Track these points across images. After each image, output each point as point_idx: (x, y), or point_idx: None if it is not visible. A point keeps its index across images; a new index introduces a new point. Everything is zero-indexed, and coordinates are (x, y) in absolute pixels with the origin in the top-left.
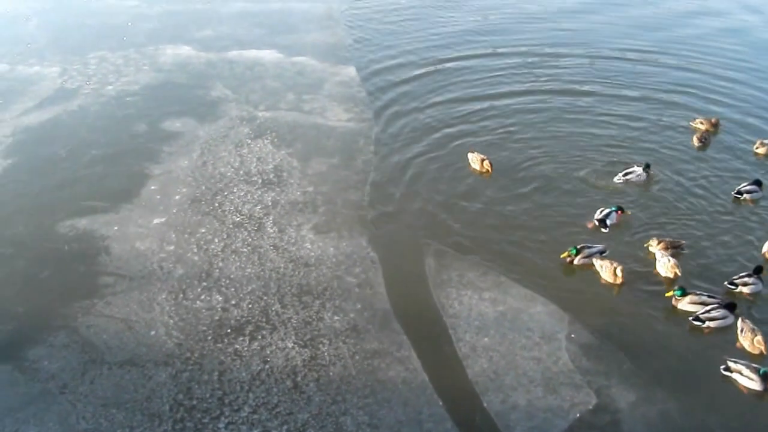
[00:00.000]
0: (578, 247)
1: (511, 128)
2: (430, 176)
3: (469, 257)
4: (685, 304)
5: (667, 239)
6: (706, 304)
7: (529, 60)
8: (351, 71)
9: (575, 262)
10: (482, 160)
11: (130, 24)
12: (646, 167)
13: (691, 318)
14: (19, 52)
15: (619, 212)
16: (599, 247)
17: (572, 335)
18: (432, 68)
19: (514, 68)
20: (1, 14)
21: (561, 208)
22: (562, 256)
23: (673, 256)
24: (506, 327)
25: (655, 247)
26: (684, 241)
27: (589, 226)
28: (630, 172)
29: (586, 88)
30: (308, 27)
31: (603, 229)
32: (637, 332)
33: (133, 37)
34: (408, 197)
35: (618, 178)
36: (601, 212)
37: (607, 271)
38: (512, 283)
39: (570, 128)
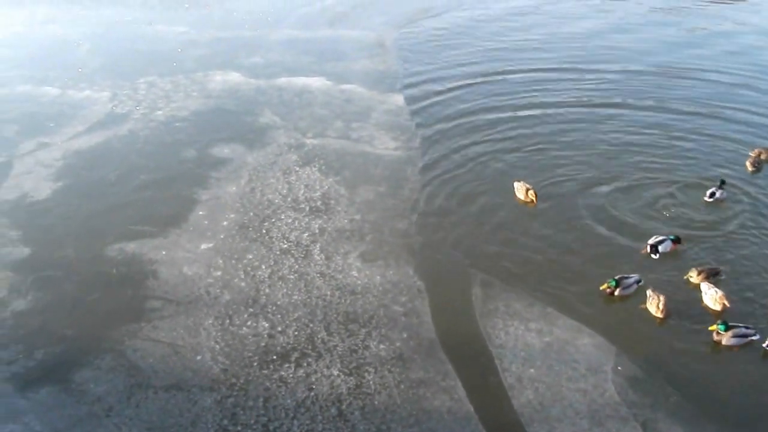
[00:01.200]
0: (617, 278)
1: (560, 154)
2: (477, 205)
3: (515, 287)
4: (728, 339)
5: (706, 267)
6: (746, 336)
7: (581, 81)
8: (399, 99)
9: (615, 293)
10: (527, 190)
11: (179, 50)
12: (722, 184)
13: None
14: (70, 77)
15: (675, 243)
16: (635, 277)
17: (618, 367)
18: (480, 98)
19: (564, 93)
20: (53, 39)
21: (610, 236)
22: (602, 288)
23: (713, 283)
24: (552, 358)
25: (695, 278)
26: (721, 268)
27: (643, 251)
28: (714, 193)
29: (646, 113)
30: (357, 55)
31: (653, 256)
32: (684, 365)
33: (183, 63)
34: (455, 226)
35: (707, 198)
36: (656, 239)
37: (652, 303)
38: (559, 314)
39: (625, 156)
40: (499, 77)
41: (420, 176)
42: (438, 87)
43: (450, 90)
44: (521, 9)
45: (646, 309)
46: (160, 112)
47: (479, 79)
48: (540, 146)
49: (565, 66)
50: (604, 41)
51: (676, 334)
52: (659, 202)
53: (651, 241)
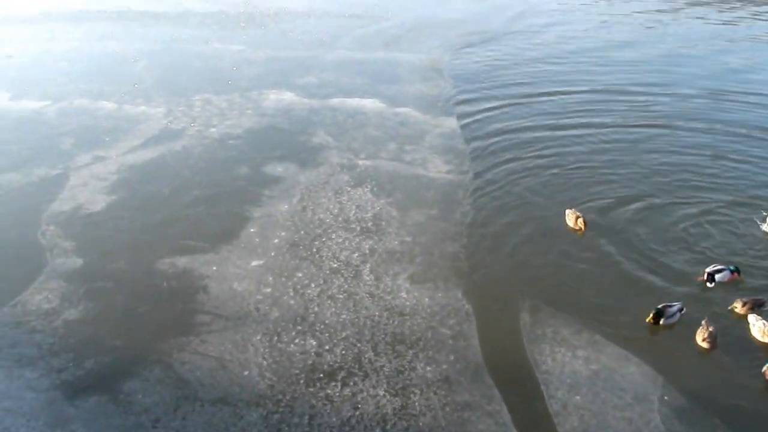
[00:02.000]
0: (660, 307)
1: (612, 178)
2: (528, 231)
3: (564, 314)
4: None
5: (751, 298)
6: None
7: (636, 104)
8: (452, 123)
9: (660, 323)
10: (576, 218)
11: (234, 68)
12: None
13: None
14: (126, 92)
15: (735, 274)
16: (678, 305)
17: (665, 397)
18: (534, 122)
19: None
20: (111, 55)
21: (662, 265)
22: (647, 320)
23: (759, 314)
24: (599, 386)
25: (740, 308)
26: (766, 299)
27: (699, 279)
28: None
29: (699, 137)
30: (411, 78)
31: (709, 284)
32: (732, 397)
33: (238, 82)
34: (505, 251)
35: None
36: (714, 267)
37: (699, 333)
38: (606, 342)
39: (680, 178)
40: (553, 101)
41: (471, 200)
42: (491, 111)
43: (503, 115)
44: (575, 33)
45: (696, 338)
46: (214, 129)
47: (533, 103)
48: (593, 170)
49: (622, 88)
50: (658, 65)
51: (723, 366)
52: (716, 226)
53: (709, 269)
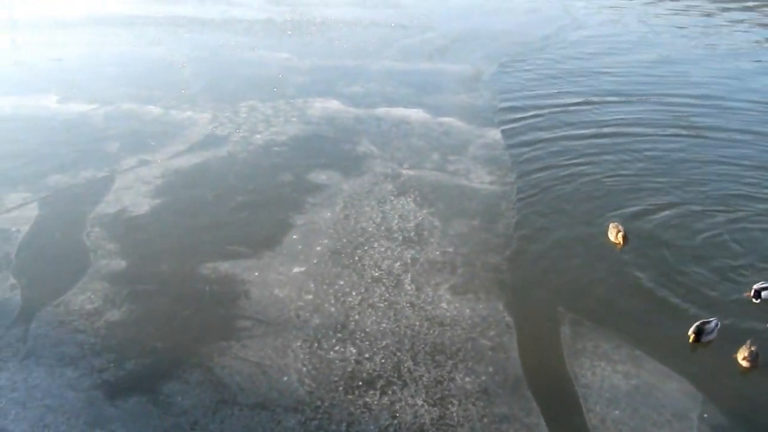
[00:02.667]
0: (698, 325)
1: (657, 187)
2: (571, 244)
3: (604, 328)
4: None
5: None
6: None
7: (678, 113)
8: (496, 134)
9: (700, 340)
10: (617, 232)
11: (280, 76)
12: None
13: None
14: (173, 97)
15: None
16: (714, 320)
17: (705, 415)
18: (579, 134)
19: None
20: (159, 61)
21: (704, 279)
22: (690, 340)
23: None
24: (638, 401)
25: None
26: None
27: (746, 295)
28: None
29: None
30: (456, 88)
31: (755, 300)
32: None
33: (284, 89)
34: (547, 264)
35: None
36: (762, 284)
37: (741, 351)
38: (647, 357)
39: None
40: (598, 111)
41: (514, 212)
42: (535, 123)
43: (548, 126)
44: (618, 46)
45: (736, 358)
46: (259, 136)
47: (578, 113)
48: (638, 181)
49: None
50: (701, 76)
51: (764, 385)
52: (761, 239)
53: (756, 285)
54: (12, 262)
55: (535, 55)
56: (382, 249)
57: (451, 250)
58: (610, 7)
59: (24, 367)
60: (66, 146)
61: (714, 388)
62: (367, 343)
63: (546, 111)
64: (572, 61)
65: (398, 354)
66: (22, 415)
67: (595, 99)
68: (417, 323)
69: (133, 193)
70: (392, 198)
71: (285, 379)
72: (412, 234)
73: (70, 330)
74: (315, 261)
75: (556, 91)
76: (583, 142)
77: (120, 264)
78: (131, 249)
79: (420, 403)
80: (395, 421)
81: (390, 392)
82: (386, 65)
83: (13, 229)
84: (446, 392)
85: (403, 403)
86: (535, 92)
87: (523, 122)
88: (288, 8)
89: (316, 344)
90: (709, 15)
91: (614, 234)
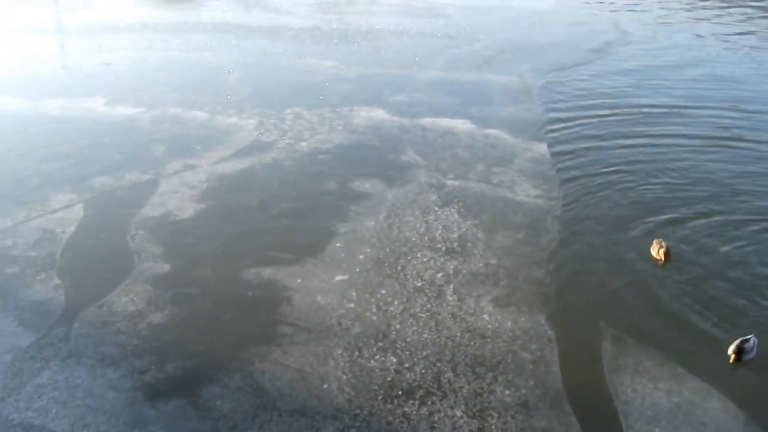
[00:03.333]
0: (737, 344)
1: (710, 208)
2: (614, 259)
3: (646, 345)
4: None
5: None
6: None
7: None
8: (542, 147)
9: (742, 359)
10: (659, 248)
11: (326, 84)
12: None
13: None
14: (219, 102)
15: None
16: (751, 337)
17: None
18: (627, 148)
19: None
20: (206, 66)
21: (750, 296)
22: (730, 360)
23: None
24: (679, 419)
25: None
26: None
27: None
28: None
29: None
30: (502, 100)
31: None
32: None
33: (329, 97)
34: (590, 278)
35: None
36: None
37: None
38: (689, 375)
39: None
40: (647, 122)
41: (559, 226)
42: (582, 136)
43: (596, 140)
44: (667, 61)
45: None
46: (304, 143)
47: (627, 127)
48: (685, 195)
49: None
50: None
51: None
52: None
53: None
54: (56, 262)
55: (582, 68)
56: (425, 259)
57: (494, 262)
58: (658, 21)
59: (66, 366)
60: (112, 149)
61: (756, 407)
62: (407, 353)
63: (593, 124)
64: (620, 75)
65: (438, 365)
66: (62, 413)
67: (643, 112)
68: (458, 334)
69: (178, 197)
70: (436, 208)
71: (325, 386)
72: (456, 245)
73: (112, 331)
74: (357, 269)
75: (603, 104)
76: (631, 156)
77: (163, 267)
78: (175, 252)
79: (459, 414)
80: None
81: (429, 403)
82: (432, 75)
83: (59, 229)
84: (486, 404)
85: (442, 414)
86: (582, 105)
87: (569, 136)
88: (335, 17)
89: (356, 353)
90: (760, 29)
91: (656, 250)
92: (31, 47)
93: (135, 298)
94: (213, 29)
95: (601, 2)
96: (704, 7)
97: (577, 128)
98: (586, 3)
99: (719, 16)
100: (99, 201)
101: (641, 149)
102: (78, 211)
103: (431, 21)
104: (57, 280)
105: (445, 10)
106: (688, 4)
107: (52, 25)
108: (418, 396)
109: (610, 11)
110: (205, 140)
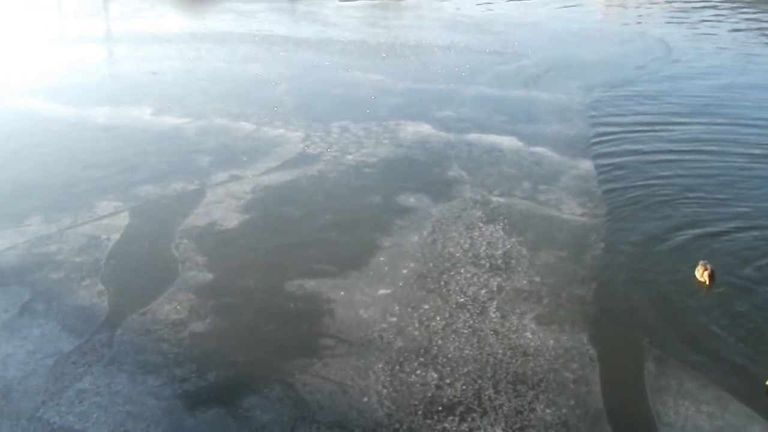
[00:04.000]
0: None
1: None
2: (658, 280)
3: (689, 367)
4: None
5: None
6: None
7: None
8: (588, 165)
9: None
10: (703, 271)
11: (373, 97)
12: None
13: None
14: (265, 114)
15: None
16: None
17: None
18: (674, 169)
19: None
20: (252, 77)
21: None
22: (766, 384)
23: None
24: None
25: None
26: None
27: None
28: None
29: None
30: (549, 118)
31: None
32: None
33: (376, 111)
34: (633, 298)
35: None
36: None
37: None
38: (732, 399)
39: None
40: (698, 147)
41: (603, 244)
42: (629, 155)
43: (643, 159)
44: (715, 80)
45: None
46: (350, 156)
47: (674, 149)
48: (734, 215)
49: None
50: None
51: None
52: None
53: None
54: (101, 269)
55: (629, 86)
56: (469, 275)
57: (537, 279)
58: (707, 39)
59: (107, 372)
60: (158, 158)
61: None
62: (448, 368)
63: (640, 142)
64: (667, 94)
65: (479, 381)
66: (102, 419)
67: (690, 130)
68: (500, 351)
69: (223, 207)
70: (481, 224)
71: (365, 399)
72: (500, 261)
73: (154, 339)
74: (401, 284)
75: (650, 122)
76: (679, 175)
77: (207, 276)
78: (218, 262)
79: None
80: None
81: (469, 419)
82: (479, 91)
83: (104, 236)
84: (526, 422)
85: (482, 431)
86: (629, 123)
87: (616, 153)
88: (383, 30)
89: (397, 367)
90: None
91: (701, 272)
92: (79, 55)
93: (178, 307)
94: (261, 41)
95: (648, 20)
96: (757, 28)
97: (624, 146)
98: (634, 19)
99: None
100: (144, 209)
101: (690, 167)
102: (123, 219)
103: (479, 36)
104: (101, 287)
105: (494, 26)
106: (737, 22)
107: (100, 34)
108: (458, 412)
109: (658, 28)
110: (251, 151)
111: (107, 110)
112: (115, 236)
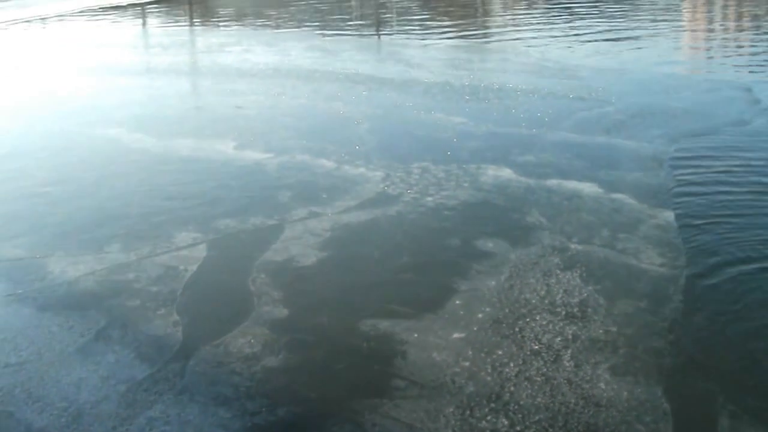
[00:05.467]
0: None
1: None
2: (738, 335)
3: (764, 425)
4: None
5: None
6: None
7: None
8: (669, 215)
9: None
10: None
11: (455, 140)
12: None
13: None
14: (346, 152)
15: None
16: None
17: None
18: (762, 226)
19: None
20: (335, 115)
21: None
22: None
23: None
24: None
25: None
26: None
27: None
28: None
29: None
30: (631, 165)
31: None
32: None
33: (457, 153)
34: (711, 353)
35: None
36: None
37: None
38: None
39: None
40: None
41: (682, 296)
42: (712, 207)
43: (725, 211)
44: None
45: None
46: (429, 198)
47: (757, 203)
48: None
49: None
50: None
51: None
52: None
53: None
54: (177, 299)
55: (714, 135)
56: (544, 322)
57: (614, 329)
58: None
59: (178, 402)
60: (239, 192)
61: None
62: (520, 416)
63: (724, 195)
64: (752, 147)
65: (550, 430)
66: None
67: None
68: (572, 401)
69: (301, 243)
70: (558, 272)
71: None
72: (576, 310)
73: (226, 371)
74: (475, 328)
75: (735, 174)
76: (765, 230)
77: (282, 312)
78: (294, 298)
79: None
80: None
81: None
82: (561, 136)
83: (181, 267)
84: None
85: None
86: (713, 174)
87: (698, 205)
88: (466, 73)
89: (468, 411)
90: None
91: None
92: (165, 87)
93: (252, 341)
94: (345, 79)
95: (735, 68)
96: None
97: (707, 198)
98: (721, 68)
99: None
100: (223, 242)
101: None
102: (201, 251)
103: (563, 82)
104: (176, 317)
105: (578, 71)
106: None
107: (186, 67)
108: None
109: (746, 77)
110: (331, 189)
111: (191, 143)
112: (193, 267)
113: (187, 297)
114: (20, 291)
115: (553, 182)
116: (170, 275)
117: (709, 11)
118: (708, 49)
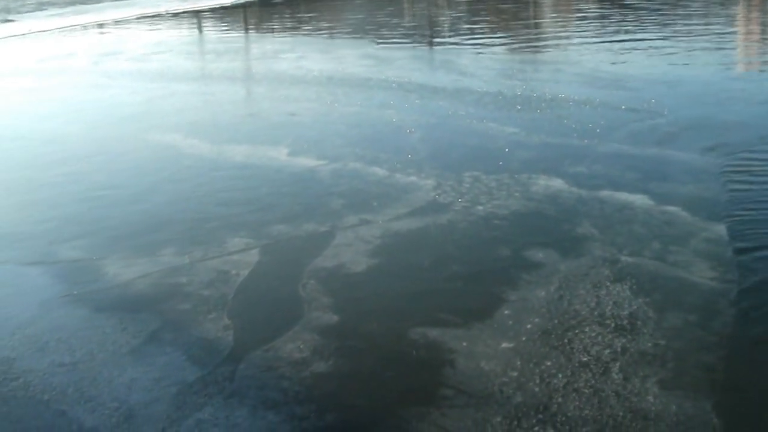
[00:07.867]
0: None
1: None
2: None
3: None
4: None
5: None
6: None
7: None
8: (721, 229)
9: None
10: None
11: (507, 150)
12: None
13: None
14: (398, 160)
15: None
16: None
17: None
18: None
19: None
20: (387, 124)
21: None
22: None
23: None
24: None
25: None
26: None
27: None
28: None
29: None
30: (683, 177)
31: None
32: None
33: (509, 163)
34: (762, 369)
35: None
36: None
37: None
38: None
39: None
40: None
41: (734, 310)
42: (766, 223)
43: None
44: None
45: None
46: (480, 208)
47: None
48: None
49: None
50: None
51: None
52: None
53: None
54: (228, 303)
55: None
56: (593, 334)
57: (663, 342)
58: None
59: (228, 405)
60: (291, 198)
61: None
62: (567, 427)
63: None
64: None
65: None
66: None
67: None
68: (620, 414)
69: (352, 250)
70: (608, 283)
71: None
72: (625, 322)
73: (276, 376)
74: (524, 338)
75: None
76: None
77: (332, 318)
78: (344, 305)
79: None
80: None
81: None
82: (613, 148)
83: (233, 272)
84: None
85: None
86: (767, 188)
87: (751, 218)
88: (519, 83)
89: (515, 422)
90: None
91: None
92: (220, 94)
93: (301, 346)
94: (397, 87)
95: None
96: None
97: (760, 212)
98: None
99: None
100: (274, 248)
101: None
102: (253, 256)
103: (616, 92)
104: (227, 321)
105: (631, 82)
106: None
107: (241, 73)
108: None
109: None
110: (383, 197)
111: (245, 149)
112: (244, 272)
113: (238, 301)
114: (75, 292)
115: (604, 193)
116: (222, 279)
117: (763, 19)
118: (763, 61)
